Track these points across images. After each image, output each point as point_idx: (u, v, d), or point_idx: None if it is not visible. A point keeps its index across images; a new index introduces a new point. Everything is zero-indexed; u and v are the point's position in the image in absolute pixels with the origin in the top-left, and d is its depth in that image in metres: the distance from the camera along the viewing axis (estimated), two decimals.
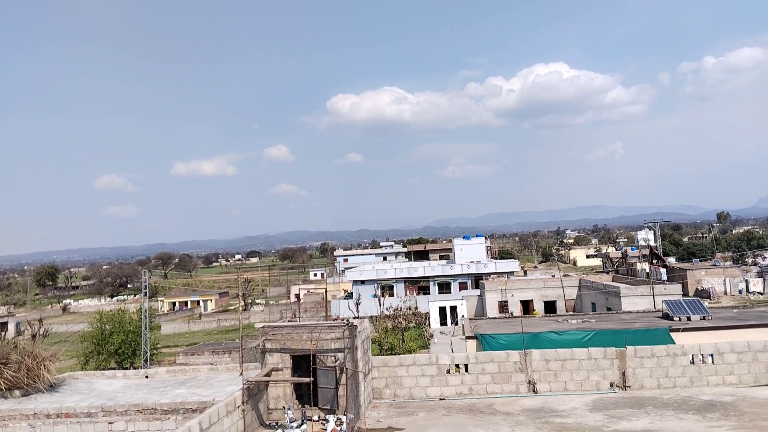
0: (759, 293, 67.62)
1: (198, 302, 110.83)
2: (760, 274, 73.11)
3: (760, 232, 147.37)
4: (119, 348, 43.01)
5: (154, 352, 46.42)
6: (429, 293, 68.19)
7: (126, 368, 41.02)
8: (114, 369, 39.41)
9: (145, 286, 48.62)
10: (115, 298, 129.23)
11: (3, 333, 62.71)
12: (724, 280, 71.45)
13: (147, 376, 22.47)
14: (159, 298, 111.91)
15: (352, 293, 69.85)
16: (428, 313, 58.74)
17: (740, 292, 69.91)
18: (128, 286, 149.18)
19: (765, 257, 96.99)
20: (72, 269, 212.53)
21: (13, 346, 21.39)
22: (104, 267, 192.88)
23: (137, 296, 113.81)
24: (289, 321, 19.98)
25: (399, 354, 31.46)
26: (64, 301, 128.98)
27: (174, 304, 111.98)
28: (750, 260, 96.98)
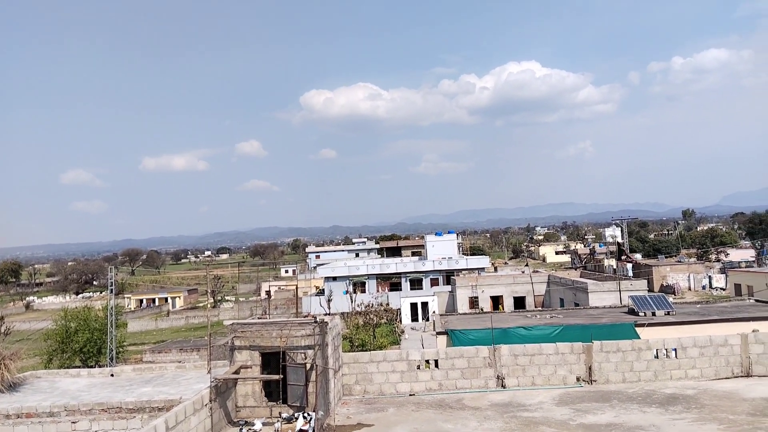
0: (721, 289, 69.52)
1: (166, 299, 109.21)
2: (722, 271, 75.18)
3: (723, 229, 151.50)
4: (84, 346, 42.09)
5: (120, 350, 45.58)
6: (401, 289, 68.40)
7: (91, 367, 40.19)
8: (79, 367, 38.59)
9: (112, 282, 47.72)
10: (80, 295, 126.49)
11: None
12: (689, 276, 73.28)
13: (113, 375, 22.06)
14: (126, 295, 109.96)
15: (323, 290, 69.64)
16: (400, 309, 58.93)
17: (703, 287, 71.78)
18: (94, 283, 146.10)
19: (728, 254, 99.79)
20: (36, 265, 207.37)
21: None
22: (69, 263, 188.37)
23: (103, 293, 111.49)
24: (259, 318, 19.79)
25: (370, 350, 31.47)
26: (27, 299, 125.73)
27: (141, 301, 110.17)
28: (713, 257, 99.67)
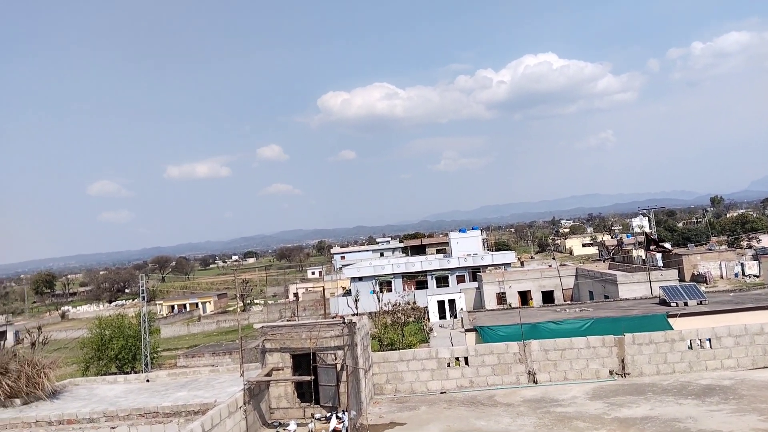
0: (755, 276, 67.97)
1: (196, 305, 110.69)
2: (755, 257, 73.49)
3: (754, 215, 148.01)
4: (119, 353, 42.95)
5: (155, 355, 46.38)
6: (427, 287, 68.27)
7: (127, 373, 40.97)
8: (115, 374, 39.38)
9: (143, 290, 48.53)
10: (113, 303, 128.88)
11: (2, 342, 62.47)
12: (720, 264, 71.79)
13: (148, 380, 22.47)
14: (157, 302, 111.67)
15: (350, 290, 69.88)
16: (427, 307, 58.85)
17: (736, 275, 70.27)
18: (126, 290, 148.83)
19: (759, 240, 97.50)
20: (69, 276, 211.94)
21: (12, 354, 21.32)
22: (101, 272, 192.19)
23: (135, 301, 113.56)
24: (288, 320, 20.00)
25: (399, 349, 31.51)
26: (62, 308, 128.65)
27: (173, 307, 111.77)
28: (745, 243, 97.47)
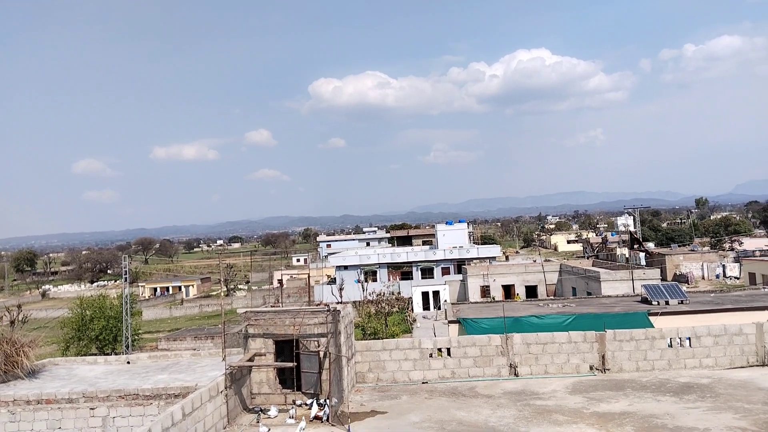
0: (735, 278, 68.94)
1: (180, 288, 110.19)
2: (736, 260, 74.47)
3: (737, 218, 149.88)
4: (100, 334, 42.64)
5: (136, 337, 46.11)
6: (412, 278, 68.47)
7: (107, 354, 40.71)
8: (95, 355, 39.11)
9: (126, 271, 48.16)
10: (95, 284, 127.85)
11: None
12: (702, 265, 72.69)
13: (129, 362, 22.34)
14: (140, 284, 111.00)
15: (335, 278, 69.88)
16: (411, 298, 59.06)
17: (717, 276, 71.22)
18: (108, 271, 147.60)
19: (742, 243, 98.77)
20: (51, 254, 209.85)
21: None
22: (84, 252, 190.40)
23: (118, 282, 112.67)
24: (272, 306, 19.92)
25: (382, 338, 31.63)
26: (43, 287, 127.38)
27: (155, 289, 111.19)
28: (727, 246, 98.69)
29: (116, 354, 40.08)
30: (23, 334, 21.66)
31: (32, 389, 18.04)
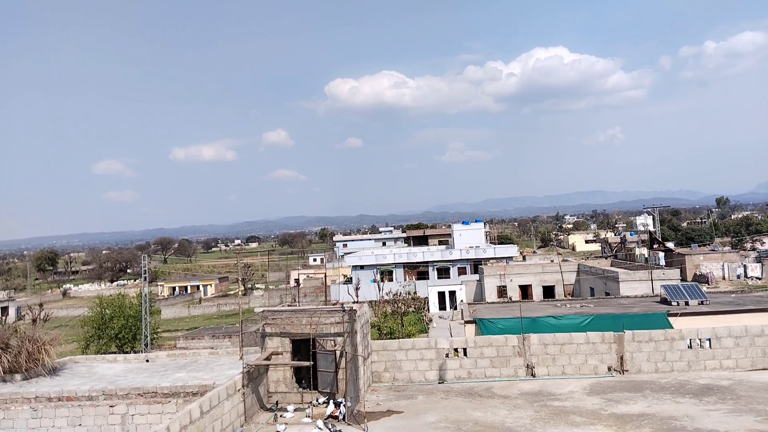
0: (757, 278, 67.83)
1: (198, 287, 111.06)
2: (758, 260, 73.27)
3: (759, 217, 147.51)
4: (120, 332, 43.17)
5: (155, 336, 46.63)
6: (428, 278, 68.38)
7: (126, 352, 41.20)
8: (115, 353, 39.60)
9: (145, 270, 48.68)
10: (115, 283, 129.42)
11: (3, 318, 62.94)
12: (723, 265, 71.63)
13: (148, 360, 22.60)
14: (159, 283, 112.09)
15: (351, 278, 70.01)
16: (427, 297, 58.96)
17: (738, 277, 70.13)
18: (128, 271, 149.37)
19: (763, 242, 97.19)
20: (72, 254, 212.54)
21: (13, 330, 21.47)
22: (104, 252, 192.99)
23: (137, 281, 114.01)
24: (288, 306, 20.03)
25: (398, 338, 31.62)
26: (64, 286, 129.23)
27: (174, 288, 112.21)
28: (748, 245, 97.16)
29: (135, 352, 40.54)
30: (45, 333, 22.01)
31: (53, 386, 18.33)
